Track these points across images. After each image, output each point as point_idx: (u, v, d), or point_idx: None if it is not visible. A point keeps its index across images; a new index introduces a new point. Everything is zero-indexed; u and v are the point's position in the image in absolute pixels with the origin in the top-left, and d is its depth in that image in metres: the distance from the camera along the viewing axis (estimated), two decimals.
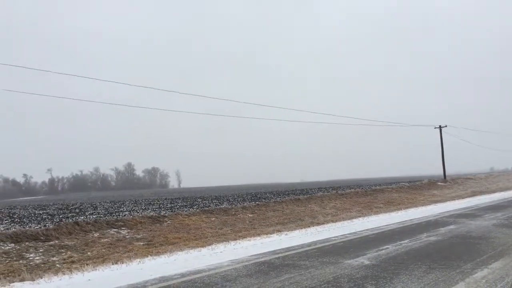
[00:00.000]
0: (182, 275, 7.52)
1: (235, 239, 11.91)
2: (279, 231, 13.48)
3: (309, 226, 14.52)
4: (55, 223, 12.61)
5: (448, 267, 6.99)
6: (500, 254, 7.93)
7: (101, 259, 9.57)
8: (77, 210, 18.52)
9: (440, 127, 45.60)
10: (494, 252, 8.17)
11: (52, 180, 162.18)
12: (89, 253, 10.31)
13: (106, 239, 11.69)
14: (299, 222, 15.60)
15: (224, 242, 11.53)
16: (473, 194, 29.18)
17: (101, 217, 14.37)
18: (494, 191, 31.18)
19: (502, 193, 29.51)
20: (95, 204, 23.94)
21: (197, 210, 16.83)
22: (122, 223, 13.35)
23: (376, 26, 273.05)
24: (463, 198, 26.13)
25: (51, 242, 10.90)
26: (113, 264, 9.04)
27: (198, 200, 24.15)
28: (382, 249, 9.11)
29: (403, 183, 34.56)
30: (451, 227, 12.38)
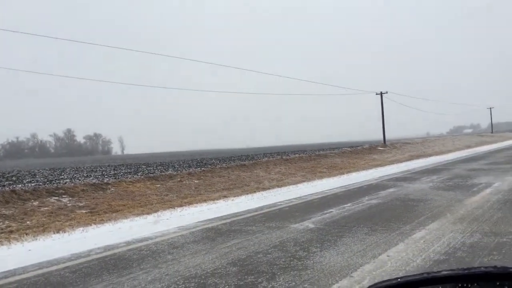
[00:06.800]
0: (128, 243, 7.41)
1: (181, 206, 11.84)
2: (225, 196, 13.53)
3: (255, 191, 14.66)
4: None
5: (388, 229, 7.29)
6: (436, 215, 8.36)
7: (41, 228, 9.23)
8: (14, 178, 17.68)
9: (381, 93, 46.85)
10: (431, 213, 8.60)
11: None
12: (28, 222, 9.91)
13: (46, 208, 11.28)
14: (245, 188, 15.72)
15: (170, 208, 11.44)
16: (411, 158, 30.41)
17: (40, 185, 13.80)
18: (430, 155, 32.66)
19: (437, 157, 30.98)
20: (33, 172, 22.94)
21: (142, 176, 16.53)
22: (63, 191, 12.91)
23: None
24: (401, 162, 27.20)
25: None
26: (54, 233, 8.75)
27: (143, 166, 23.72)
28: (326, 213, 9.35)
29: (345, 148, 35.50)
30: (391, 190, 12.89)
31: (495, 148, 39.68)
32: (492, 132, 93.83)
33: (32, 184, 14.10)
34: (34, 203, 11.60)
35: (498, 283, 1.07)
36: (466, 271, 1.10)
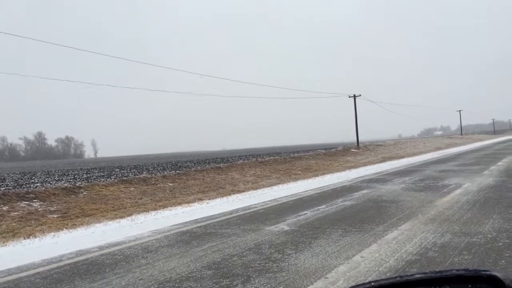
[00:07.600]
0: (101, 247, 7.30)
1: (155, 209, 11.74)
2: (200, 199, 13.47)
3: (230, 194, 14.64)
4: None
5: (362, 230, 7.38)
6: (408, 216, 8.50)
7: (11, 234, 9.02)
8: None
9: (354, 96, 47.42)
10: (403, 214, 8.74)
11: None
12: None
13: (16, 213, 11.02)
14: (220, 190, 15.68)
15: (144, 212, 11.33)
16: (383, 159, 30.84)
17: (10, 189, 13.48)
18: (402, 157, 33.18)
19: (409, 158, 31.50)
20: (2, 176, 22.38)
21: (115, 180, 16.32)
22: (33, 195, 12.64)
23: None
24: (374, 163, 27.55)
25: None
26: (25, 238, 8.56)
27: (116, 169, 23.42)
28: (301, 215, 9.41)
29: (319, 150, 35.77)
30: (364, 191, 13.04)
31: (464, 150, 40.60)
32: (461, 134, 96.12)
33: (2, 189, 13.74)
34: (3, 208, 11.33)
35: (470, 286, 1.10)
36: (438, 274, 1.13)
